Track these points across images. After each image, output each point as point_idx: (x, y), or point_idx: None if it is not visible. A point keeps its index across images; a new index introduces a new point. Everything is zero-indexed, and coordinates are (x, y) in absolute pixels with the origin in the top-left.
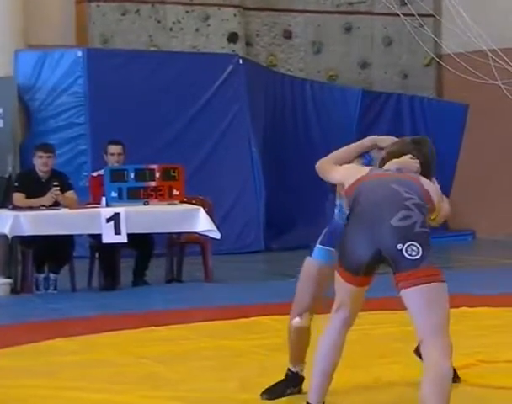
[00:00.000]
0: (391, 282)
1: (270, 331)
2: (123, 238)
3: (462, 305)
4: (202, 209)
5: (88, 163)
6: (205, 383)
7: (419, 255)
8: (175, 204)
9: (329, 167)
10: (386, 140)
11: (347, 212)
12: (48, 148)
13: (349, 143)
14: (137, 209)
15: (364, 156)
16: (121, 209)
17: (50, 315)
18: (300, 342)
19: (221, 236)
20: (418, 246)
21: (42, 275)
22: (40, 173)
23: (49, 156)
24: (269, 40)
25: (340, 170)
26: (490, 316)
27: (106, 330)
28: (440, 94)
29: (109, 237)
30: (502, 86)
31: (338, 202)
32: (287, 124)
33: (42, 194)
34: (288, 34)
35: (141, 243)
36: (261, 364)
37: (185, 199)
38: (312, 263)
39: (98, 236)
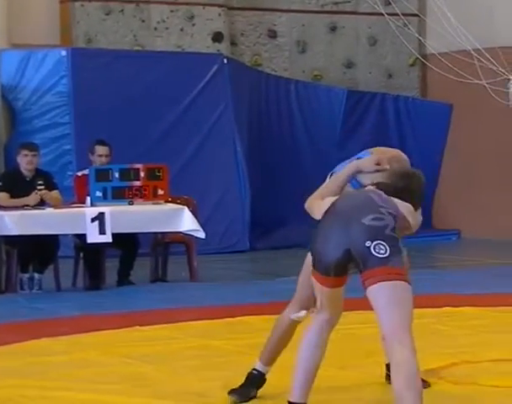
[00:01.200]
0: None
1: (255, 330)
2: (108, 238)
3: (446, 305)
4: (187, 208)
5: (73, 163)
6: (190, 383)
7: (387, 254)
8: (160, 203)
9: (317, 205)
10: (367, 163)
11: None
12: (33, 147)
13: (333, 143)
14: (122, 208)
15: (351, 183)
16: (106, 209)
17: (35, 315)
18: (283, 338)
19: (206, 236)
20: (387, 246)
21: (27, 275)
22: (25, 172)
23: (34, 155)
24: (253, 40)
25: (324, 204)
26: (474, 316)
27: (91, 330)
28: (424, 94)
29: (93, 237)
30: (486, 85)
31: None
32: (272, 123)
33: (27, 193)
34: (273, 34)
35: (126, 243)
36: (246, 363)
37: (170, 199)
38: (308, 259)
39: (82, 236)
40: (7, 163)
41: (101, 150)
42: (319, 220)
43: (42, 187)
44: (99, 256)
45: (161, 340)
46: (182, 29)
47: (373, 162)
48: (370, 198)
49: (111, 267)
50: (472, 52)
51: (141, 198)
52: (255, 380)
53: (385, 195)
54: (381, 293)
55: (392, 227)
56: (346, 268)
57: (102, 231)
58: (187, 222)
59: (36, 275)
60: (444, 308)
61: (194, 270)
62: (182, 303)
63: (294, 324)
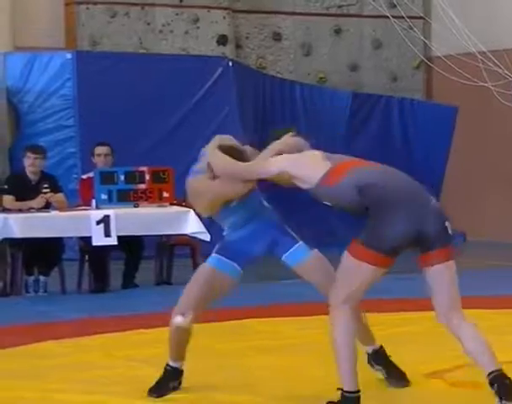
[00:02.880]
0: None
1: (258, 333)
2: (113, 241)
3: None
4: (192, 211)
5: (78, 166)
6: (193, 385)
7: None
8: (165, 206)
9: (261, 161)
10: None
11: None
12: (37, 149)
13: (338, 145)
14: (127, 211)
15: None
16: (111, 212)
17: (40, 317)
18: (180, 340)
19: (211, 238)
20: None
21: (32, 278)
22: (30, 175)
23: (36, 158)
24: (258, 43)
25: (280, 162)
26: (479, 318)
27: (96, 332)
28: (429, 96)
29: (99, 240)
30: (491, 88)
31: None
32: (277, 126)
33: (32, 196)
34: (277, 37)
35: (131, 246)
36: (248, 365)
37: (175, 202)
38: (206, 268)
39: (88, 239)
40: (12, 166)
41: (99, 149)
42: (372, 206)
43: (47, 190)
44: (104, 258)
45: (165, 343)
46: (187, 32)
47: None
48: (409, 177)
49: (116, 269)
50: (477, 55)
51: (146, 200)
52: (171, 374)
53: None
54: (449, 271)
55: None
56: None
57: (107, 234)
58: (192, 225)
59: (41, 278)
60: None
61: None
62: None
63: (181, 328)
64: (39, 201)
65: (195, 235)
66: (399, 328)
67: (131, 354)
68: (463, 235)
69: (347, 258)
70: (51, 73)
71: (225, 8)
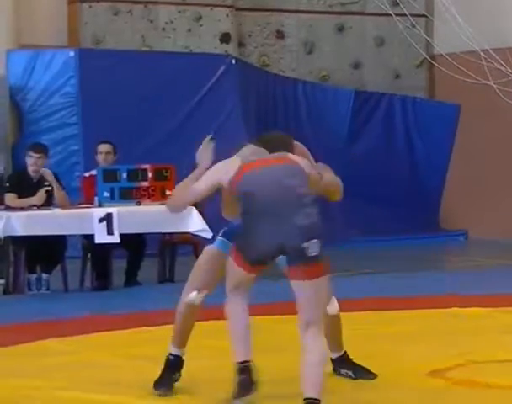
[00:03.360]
0: (378, 284)
1: (261, 331)
2: (115, 238)
3: (454, 306)
4: (195, 209)
5: (81, 164)
6: (198, 383)
7: (319, 251)
8: None
9: (188, 188)
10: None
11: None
12: (39, 149)
13: (340, 143)
14: (130, 209)
15: None
16: (114, 210)
17: (43, 315)
18: (187, 323)
19: (213, 236)
20: (319, 243)
21: (34, 275)
22: (32, 174)
23: (39, 157)
24: (261, 41)
25: (205, 178)
26: (481, 317)
27: (98, 330)
28: (432, 94)
29: (101, 238)
30: (494, 86)
31: None
32: (279, 124)
33: (33, 194)
34: (280, 35)
35: (134, 243)
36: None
37: None
38: (210, 249)
39: (90, 237)
40: (14, 164)
41: (101, 147)
42: (244, 212)
43: (49, 188)
44: (107, 256)
45: (168, 340)
46: (190, 30)
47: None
48: (289, 187)
49: (119, 267)
50: (480, 53)
51: (148, 198)
52: (174, 365)
53: (284, 162)
54: (309, 289)
55: (317, 215)
56: (272, 260)
57: (110, 232)
58: (195, 223)
59: (44, 276)
60: (451, 308)
61: None
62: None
63: (193, 305)
64: (40, 196)
65: (198, 233)
66: (399, 327)
67: (134, 352)
68: (465, 233)
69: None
70: (54, 71)
71: (228, 6)
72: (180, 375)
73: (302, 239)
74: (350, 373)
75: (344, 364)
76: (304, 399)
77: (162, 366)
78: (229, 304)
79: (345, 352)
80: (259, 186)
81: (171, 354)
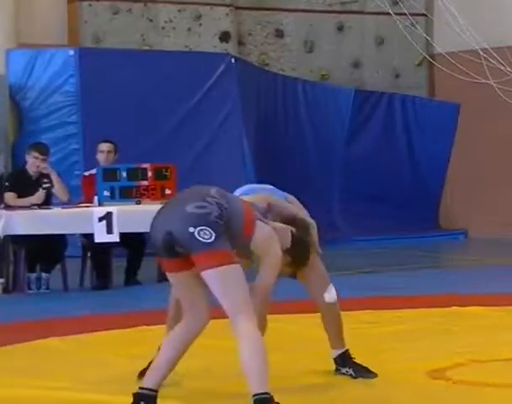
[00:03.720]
0: (378, 283)
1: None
2: (115, 237)
3: (453, 305)
4: None
5: (80, 162)
6: (197, 381)
7: (213, 238)
8: None
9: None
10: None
11: None
12: (42, 150)
13: (340, 142)
14: (129, 208)
15: None
16: (113, 209)
17: (42, 314)
18: None
19: None
20: (212, 231)
21: (34, 274)
22: (31, 173)
23: (43, 159)
24: (261, 39)
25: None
26: (481, 316)
27: (98, 329)
28: (431, 94)
29: (101, 237)
30: (494, 85)
31: None
32: (279, 123)
33: (33, 192)
34: (280, 34)
35: (133, 242)
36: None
37: None
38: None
39: (90, 236)
40: (15, 163)
41: (102, 146)
42: None
43: (48, 185)
44: (107, 255)
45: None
46: (189, 29)
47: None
48: (205, 188)
49: (118, 266)
50: (480, 52)
51: (148, 197)
52: None
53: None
54: (217, 279)
55: (217, 215)
56: (175, 250)
57: (109, 231)
58: None
59: (44, 275)
60: (451, 308)
61: None
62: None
63: None
64: (39, 195)
65: None
66: (399, 326)
67: (135, 351)
68: (465, 232)
69: None
70: (54, 70)
71: (228, 5)
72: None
73: (190, 224)
74: (351, 371)
75: (345, 363)
76: (252, 396)
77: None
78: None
79: (347, 350)
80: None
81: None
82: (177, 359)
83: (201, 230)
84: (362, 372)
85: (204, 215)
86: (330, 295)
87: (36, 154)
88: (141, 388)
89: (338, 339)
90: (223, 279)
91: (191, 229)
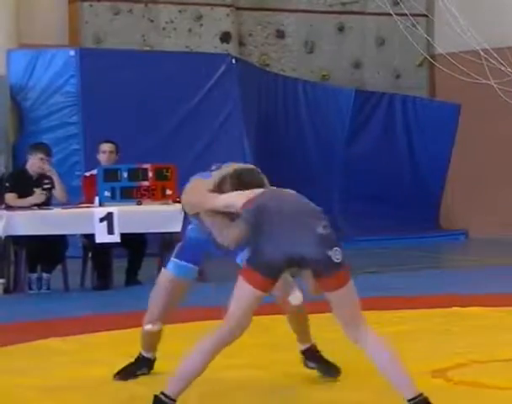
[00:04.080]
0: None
1: (266, 330)
2: (116, 238)
3: (454, 305)
4: None
5: (81, 163)
6: (204, 381)
7: (341, 256)
8: (168, 203)
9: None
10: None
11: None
12: (48, 151)
13: (341, 143)
14: (130, 208)
15: None
16: (114, 209)
17: (43, 314)
18: (153, 339)
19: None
20: (340, 249)
21: (35, 275)
22: (32, 173)
23: (48, 160)
24: (261, 40)
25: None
26: (482, 316)
27: (99, 330)
28: (432, 94)
29: (102, 237)
30: (494, 85)
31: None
32: (280, 123)
33: (32, 192)
34: (281, 34)
35: (134, 243)
36: (258, 363)
37: (178, 199)
38: (165, 275)
39: (91, 236)
40: (15, 163)
41: (104, 146)
42: (254, 229)
43: (48, 186)
44: (107, 256)
45: (169, 340)
46: (190, 30)
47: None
48: (305, 202)
49: (119, 267)
50: (481, 52)
51: (149, 198)
52: (143, 363)
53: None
54: (343, 296)
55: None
56: (284, 272)
57: (110, 231)
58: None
59: (44, 275)
60: (452, 308)
61: (202, 270)
62: (190, 303)
63: (152, 332)
64: (38, 196)
65: None
66: (400, 326)
67: (136, 351)
68: (465, 232)
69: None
70: (55, 70)
71: (228, 6)
72: (150, 370)
73: (327, 247)
74: (317, 367)
75: (312, 357)
76: (408, 401)
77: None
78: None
79: (313, 344)
80: (271, 203)
81: (141, 354)
82: (203, 370)
83: (335, 251)
84: (325, 371)
85: (331, 235)
86: (296, 297)
87: (42, 155)
88: (163, 393)
89: (306, 335)
90: (353, 292)
91: (329, 252)
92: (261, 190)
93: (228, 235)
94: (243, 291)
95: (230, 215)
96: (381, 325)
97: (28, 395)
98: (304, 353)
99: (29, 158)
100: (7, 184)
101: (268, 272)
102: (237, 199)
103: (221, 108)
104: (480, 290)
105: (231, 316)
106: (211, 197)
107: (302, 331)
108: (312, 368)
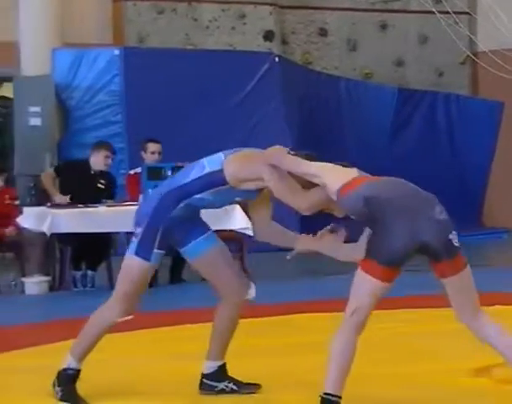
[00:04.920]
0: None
1: (305, 329)
2: None
3: (496, 303)
4: (238, 206)
5: (125, 161)
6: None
7: (459, 243)
8: None
9: (303, 197)
10: None
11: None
12: (112, 149)
13: (383, 141)
14: None
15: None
16: None
17: (88, 312)
18: (100, 337)
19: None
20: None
21: (80, 272)
22: (95, 168)
23: (112, 158)
24: (304, 38)
25: (325, 169)
26: None
27: (143, 327)
28: (475, 92)
29: None
30: None
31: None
32: (322, 122)
33: (87, 184)
34: (323, 32)
35: None
36: (295, 362)
37: None
38: (145, 266)
39: None
40: (60, 161)
41: (153, 147)
42: (370, 219)
43: (102, 186)
44: None
45: (202, 338)
46: (233, 28)
47: None
48: (418, 189)
49: (163, 265)
50: None
51: None
52: (74, 378)
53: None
54: (463, 280)
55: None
56: (407, 261)
57: None
58: (238, 220)
59: (89, 272)
60: (494, 306)
61: (245, 268)
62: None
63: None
64: (61, 198)
65: (242, 230)
66: (441, 324)
67: (179, 349)
68: (508, 230)
69: (357, 271)
70: (99, 69)
71: (271, 4)
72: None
73: (448, 231)
74: (233, 384)
75: (226, 375)
76: None
77: (60, 382)
78: (344, 328)
79: (225, 362)
80: (384, 190)
81: (70, 369)
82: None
83: (454, 235)
84: (244, 387)
85: (448, 219)
86: (252, 292)
87: (107, 153)
88: (327, 394)
89: (225, 350)
90: (471, 276)
91: (450, 236)
92: (355, 172)
93: (307, 199)
94: (366, 284)
95: (301, 181)
96: (421, 323)
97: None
98: (216, 373)
99: (93, 155)
100: (57, 165)
101: (391, 262)
102: (331, 178)
103: (263, 106)
104: None
105: (359, 310)
106: (299, 160)
107: (225, 343)
108: (225, 387)
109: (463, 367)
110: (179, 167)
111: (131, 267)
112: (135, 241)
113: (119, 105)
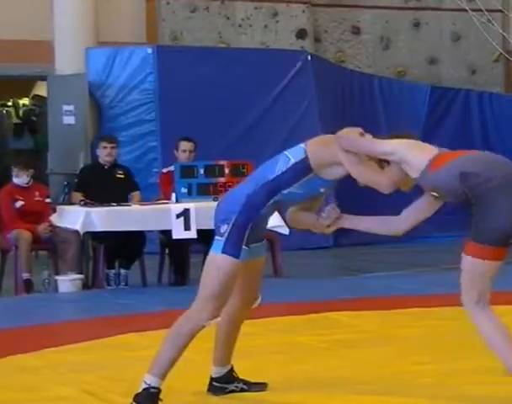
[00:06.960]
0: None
1: (340, 326)
2: (193, 234)
3: None
4: None
5: (158, 160)
6: (274, 377)
7: None
8: None
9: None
10: None
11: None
12: (111, 139)
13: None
14: (207, 205)
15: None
16: (191, 205)
17: (122, 310)
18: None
19: (290, 232)
20: None
21: (113, 271)
22: (103, 162)
23: (112, 147)
24: (337, 36)
25: (398, 142)
26: None
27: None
28: (508, 89)
29: (178, 233)
30: None
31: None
32: (355, 120)
33: (106, 181)
34: (356, 30)
35: (211, 239)
36: (330, 359)
37: None
38: (236, 263)
39: (168, 232)
40: (94, 159)
41: (185, 145)
42: (473, 197)
43: (122, 177)
44: (184, 252)
45: (244, 335)
46: (266, 26)
47: None
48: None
49: (196, 262)
50: None
51: None
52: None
53: None
54: None
55: None
56: None
57: (187, 228)
58: (271, 218)
59: (122, 271)
60: None
61: (278, 266)
62: (266, 299)
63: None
64: (76, 196)
65: (275, 228)
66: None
67: (210, 347)
68: None
69: (465, 260)
70: (133, 68)
71: (304, 2)
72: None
73: None
74: (242, 385)
75: (235, 378)
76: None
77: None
78: (481, 317)
79: (232, 366)
80: (484, 168)
81: (153, 388)
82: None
83: None
84: (254, 386)
85: None
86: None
87: (105, 144)
88: None
89: (232, 353)
90: None
91: None
92: (433, 147)
93: (388, 177)
94: (481, 268)
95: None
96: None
97: (108, 390)
98: (224, 377)
99: (98, 151)
100: (76, 181)
101: (499, 241)
102: (414, 154)
103: (296, 104)
104: None
105: (482, 295)
106: (372, 140)
107: (231, 349)
108: (235, 388)
109: None
110: (212, 166)
111: (219, 265)
112: (221, 239)
113: (152, 104)
